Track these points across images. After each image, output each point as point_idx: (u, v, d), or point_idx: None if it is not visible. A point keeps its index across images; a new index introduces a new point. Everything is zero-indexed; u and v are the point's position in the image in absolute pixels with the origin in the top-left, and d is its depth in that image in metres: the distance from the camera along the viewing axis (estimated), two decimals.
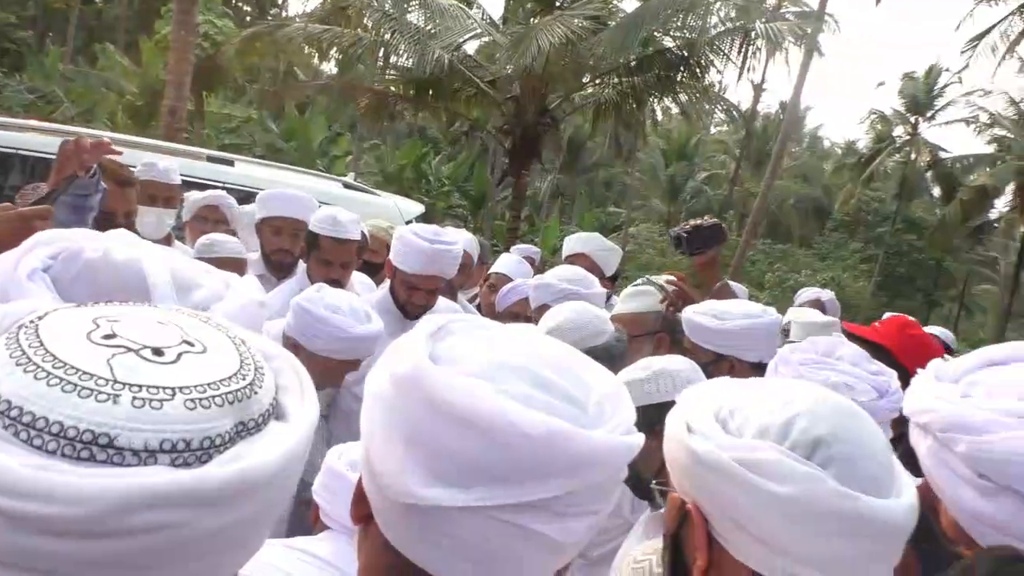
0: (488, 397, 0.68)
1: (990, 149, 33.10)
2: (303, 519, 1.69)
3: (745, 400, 0.95)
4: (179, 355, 0.58)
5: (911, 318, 3.10)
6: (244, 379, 0.60)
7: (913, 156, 35.06)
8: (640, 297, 2.83)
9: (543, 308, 2.86)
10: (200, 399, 0.55)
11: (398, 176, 24.71)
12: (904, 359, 2.72)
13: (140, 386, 0.54)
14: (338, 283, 3.14)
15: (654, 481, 1.64)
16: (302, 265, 3.27)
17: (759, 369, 2.38)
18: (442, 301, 3.11)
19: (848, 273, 32.05)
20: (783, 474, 0.85)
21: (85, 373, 0.53)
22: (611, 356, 2.35)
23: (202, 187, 3.93)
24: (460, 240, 3.02)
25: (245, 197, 4.30)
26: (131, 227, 2.90)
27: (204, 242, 3.17)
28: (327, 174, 6.46)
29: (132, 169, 3.04)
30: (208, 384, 0.57)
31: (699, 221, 2.88)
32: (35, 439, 0.50)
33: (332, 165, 24.59)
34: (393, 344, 0.77)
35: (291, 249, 3.39)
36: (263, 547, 1.43)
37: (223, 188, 4.28)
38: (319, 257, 3.07)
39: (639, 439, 0.75)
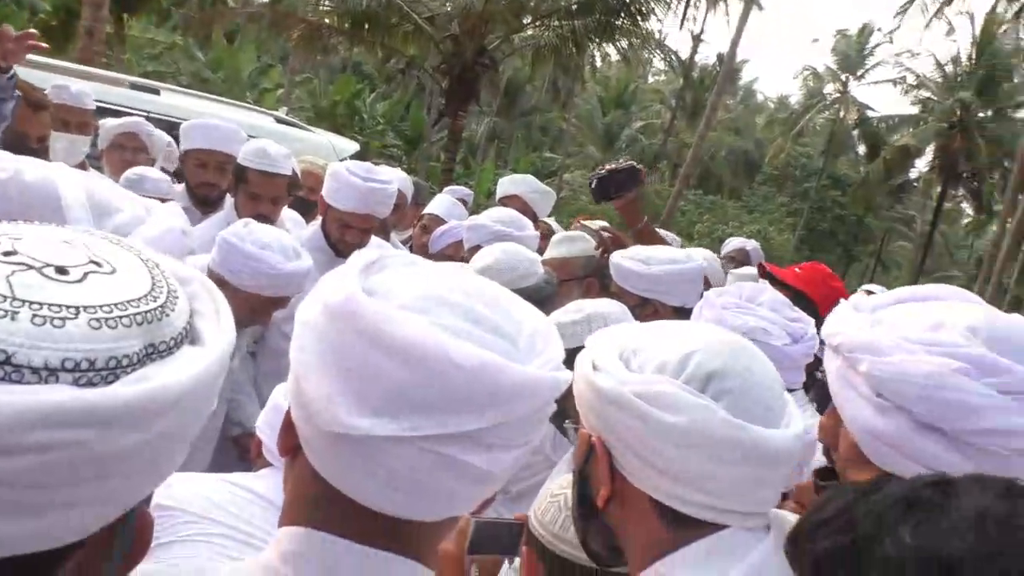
0: (421, 329, 0.68)
1: (914, 110, 34.16)
2: (228, 456, 1.67)
3: (647, 340, 1.02)
4: (85, 274, 0.55)
5: (831, 271, 3.21)
6: (155, 301, 0.57)
7: (842, 114, 35.94)
8: (570, 242, 2.86)
9: (476, 249, 2.87)
10: (106, 319, 0.53)
11: (331, 112, 24.04)
12: (824, 309, 2.82)
13: (41, 303, 0.51)
14: (267, 219, 3.06)
15: (566, 420, 1.67)
16: (229, 199, 3.17)
17: (682, 313, 2.44)
18: (374, 240, 3.07)
19: (774, 226, 32.90)
20: (677, 405, 0.91)
21: None
22: (540, 298, 2.37)
23: (124, 115, 3.75)
24: (395, 179, 2.97)
25: (170, 128, 4.13)
26: (44, 152, 2.76)
27: (132, 176, 3.03)
28: (258, 107, 6.23)
29: (44, 91, 2.88)
30: (115, 304, 0.54)
31: (614, 165, 2.90)
32: None
33: (262, 98, 23.73)
34: (326, 275, 0.76)
35: (217, 183, 3.28)
36: (199, 480, 1.40)
37: (147, 118, 4.09)
38: (248, 191, 2.98)
39: (567, 375, 0.76)
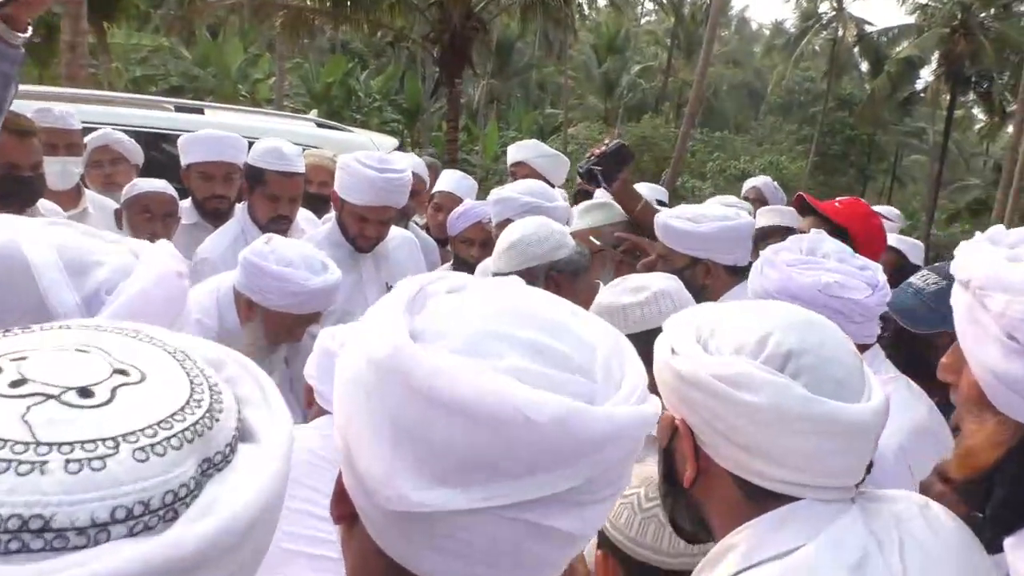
0: (484, 380, 0.58)
1: (914, 18, 33.31)
2: None
3: (723, 321, 1.03)
4: (113, 391, 0.45)
5: (871, 208, 3.09)
6: (200, 407, 0.47)
7: (840, 32, 35.10)
8: (598, 210, 2.73)
9: (505, 223, 2.75)
10: (152, 445, 0.43)
11: (325, 95, 23.81)
12: (862, 246, 2.70)
13: (72, 444, 0.41)
14: (287, 219, 2.98)
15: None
16: (239, 207, 3.08)
17: (736, 272, 2.34)
18: (395, 231, 2.97)
19: (786, 156, 32.42)
20: (756, 385, 0.92)
21: None
22: (575, 270, 2.28)
23: (174, 140, 3.51)
24: (408, 166, 2.86)
25: None
26: (40, 180, 2.66)
27: (130, 185, 2.95)
28: (297, 115, 6.16)
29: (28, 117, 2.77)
30: (159, 424, 0.44)
31: (600, 148, 2.77)
32: None
33: (255, 88, 23.53)
34: (368, 317, 0.66)
35: (226, 194, 3.16)
36: None
37: None
38: (266, 193, 2.87)
39: (656, 405, 0.65)
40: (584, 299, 2.31)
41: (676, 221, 2.34)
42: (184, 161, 3.15)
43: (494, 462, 0.58)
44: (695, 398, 0.97)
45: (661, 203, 4.55)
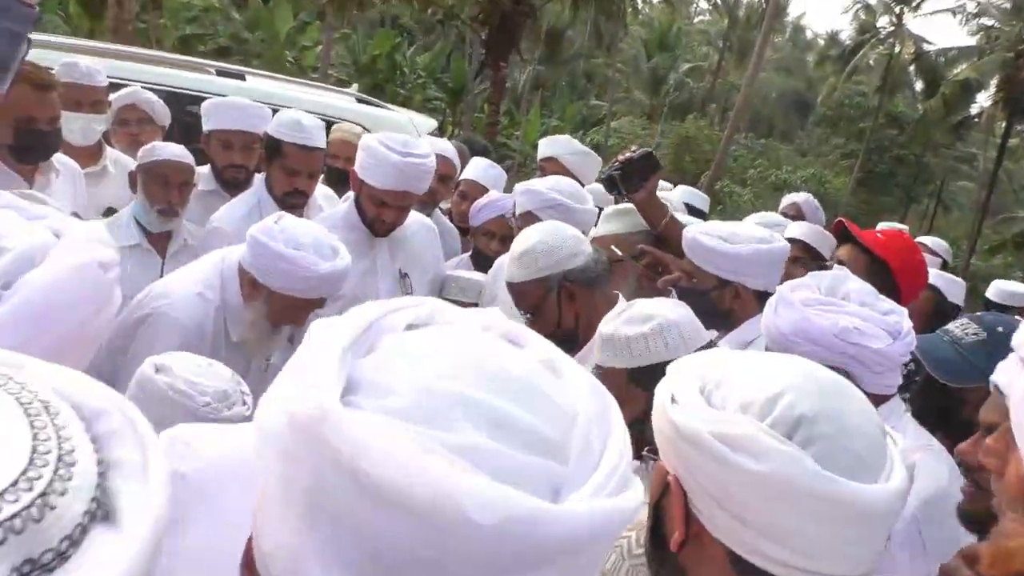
0: (417, 461, 0.47)
1: (974, 40, 32.47)
2: None
3: (732, 373, 0.91)
4: None
5: (914, 240, 2.94)
6: (32, 488, 0.37)
7: (897, 48, 34.37)
8: (625, 216, 2.60)
9: (527, 215, 2.66)
10: None
11: (371, 67, 23.79)
12: (902, 281, 2.56)
13: None
14: (303, 195, 2.91)
15: (646, 449, 1.49)
16: (258, 176, 3.00)
17: (762, 299, 2.19)
18: (413, 216, 2.88)
19: (830, 170, 31.84)
20: (760, 451, 0.81)
21: None
22: (590, 279, 2.16)
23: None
24: (432, 152, 2.75)
25: None
26: (58, 134, 2.60)
27: (147, 148, 2.87)
28: (340, 88, 6.10)
29: (51, 71, 2.70)
30: None
31: (627, 154, 2.58)
32: None
33: (302, 56, 23.57)
34: (295, 359, 0.55)
35: (245, 164, 3.09)
36: (226, 436, 1.08)
37: None
38: (283, 166, 2.80)
39: (635, 498, 0.54)
40: (601, 310, 2.20)
41: (706, 238, 2.19)
42: (205, 127, 3.08)
43: (427, 563, 0.48)
44: (691, 456, 0.86)
45: (698, 212, 4.40)
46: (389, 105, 6.09)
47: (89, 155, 3.14)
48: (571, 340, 2.17)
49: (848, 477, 0.81)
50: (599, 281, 2.19)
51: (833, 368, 1.57)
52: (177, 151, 2.80)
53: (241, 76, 5.15)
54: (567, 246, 2.15)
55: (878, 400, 1.61)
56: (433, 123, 5.75)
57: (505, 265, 2.29)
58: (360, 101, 5.45)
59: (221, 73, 5.07)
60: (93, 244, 0.88)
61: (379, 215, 2.64)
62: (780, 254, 2.21)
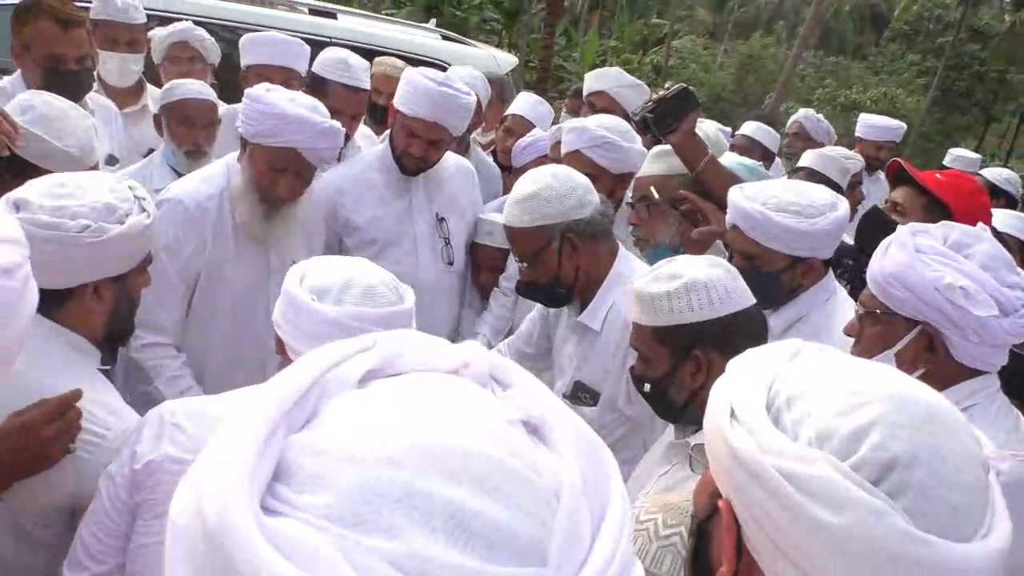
0: None
1: None
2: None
3: (808, 387, 0.74)
4: None
5: (978, 182, 2.73)
6: None
7: None
8: (665, 157, 2.47)
9: (575, 155, 2.54)
10: None
11: None
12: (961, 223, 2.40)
13: None
14: (345, 136, 2.86)
15: (692, 447, 1.43)
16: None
17: (827, 265, 2.03)
18: (451, 157, 2.81)
19: (903, 88, 30.22)
20: (838, 501, 0.67)
21: None
22: (595, 233, 2.07)
23: (309, 44, 3.29)
24: (472, 91, 2.66)
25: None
26: (87, 73, 2.54)
27: (166, 88, 2.82)
28: (424, 26, 6.04)
29: (84, 7, 2.65)
30: None
31: (661, 92, 2.38)
32: None
33: None
34: (218, 436, 0.45)
35: None
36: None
37: (329, 43, 3.97)
38: (327, 104, 2.76)
39: None
40: (604, 265, 2.11)
41: (781, 216, 1.92)
42: (244, 62, 3.03)
43: None
44: (750, 490, 0.72)
45: (767, 151, 4.20)
46: (473, 42, 6.10)
47: (128, 95, 3.13)
48: (567, 293, 2.10)
49: (943, 535, 0.67)
50: (603, 235, 2.10)
51: (924, 327, 1.47)
52: (196, 87, 2.77)
53: (333, 15, 5.21)
54: (575, 195, 2.05)
55: (968, 373, 1.49)
56: (514, 60, 5.74)
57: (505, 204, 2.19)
58: (445, 38, 5.46)
59: (314, 12, 5.10)
60: (9, 245, 0.80)
61: (407, 147, 2.57)
62: (846, 219, 2.01)
